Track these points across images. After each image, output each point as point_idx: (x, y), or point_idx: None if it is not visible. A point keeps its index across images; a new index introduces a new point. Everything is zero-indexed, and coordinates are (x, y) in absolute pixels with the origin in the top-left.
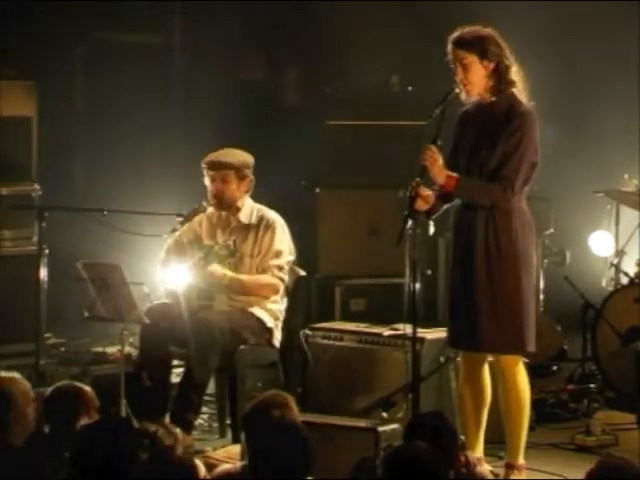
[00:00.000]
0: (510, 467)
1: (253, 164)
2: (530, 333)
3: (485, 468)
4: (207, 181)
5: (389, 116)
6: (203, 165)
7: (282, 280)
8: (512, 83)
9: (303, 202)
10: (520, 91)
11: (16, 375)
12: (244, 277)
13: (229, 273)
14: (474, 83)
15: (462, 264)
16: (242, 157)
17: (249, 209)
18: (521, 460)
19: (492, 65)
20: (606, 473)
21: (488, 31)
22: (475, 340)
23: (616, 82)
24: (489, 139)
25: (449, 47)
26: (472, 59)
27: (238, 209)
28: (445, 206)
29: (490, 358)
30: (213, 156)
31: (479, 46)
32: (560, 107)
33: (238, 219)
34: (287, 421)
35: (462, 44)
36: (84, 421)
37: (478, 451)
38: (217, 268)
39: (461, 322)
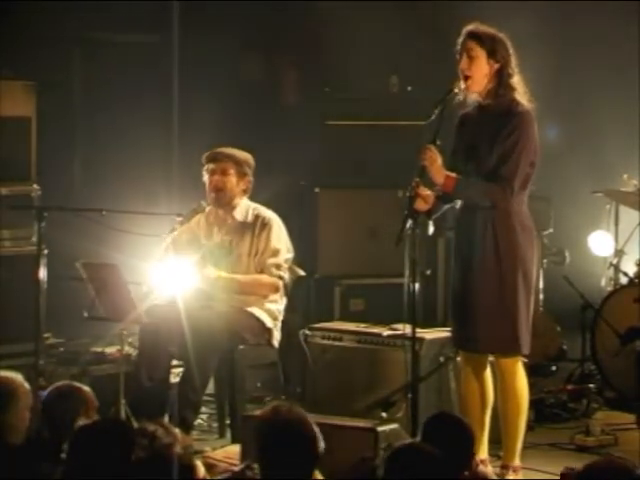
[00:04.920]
0: (505, 468)
1: (254, 166)
2: (525, 335)
3: (490, 470)
4: (206, 177)
5: (389, 116)
6: (203, 160)
7: (281, 278)
8: (512, 89)
9: (303, 202)
10: (521, 95)
11: (18, 375)
12: (240, 277)
13: (223, 274)
14: (475, 78)
15: (462, 265)
16: (244, 154)
17: (244, 208)
18: (517, 461)
19: (497, 66)
20: (605, 474)
21: (502, 35)
22: (473, 341)
23: (616, 82)
24: (487, 139)
25: (461, 37)
26: (480, 53)
27: (234, 207)
28: (446, 206)
29: (491, 358)
30: (214, 149)
31: (490, 44)
32: (560, 107)
33: (233, 217)
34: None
35: (475, 36)
36: (83, 421)
37: (482, 453)
38: (211, 270)
39: (461, 323)
